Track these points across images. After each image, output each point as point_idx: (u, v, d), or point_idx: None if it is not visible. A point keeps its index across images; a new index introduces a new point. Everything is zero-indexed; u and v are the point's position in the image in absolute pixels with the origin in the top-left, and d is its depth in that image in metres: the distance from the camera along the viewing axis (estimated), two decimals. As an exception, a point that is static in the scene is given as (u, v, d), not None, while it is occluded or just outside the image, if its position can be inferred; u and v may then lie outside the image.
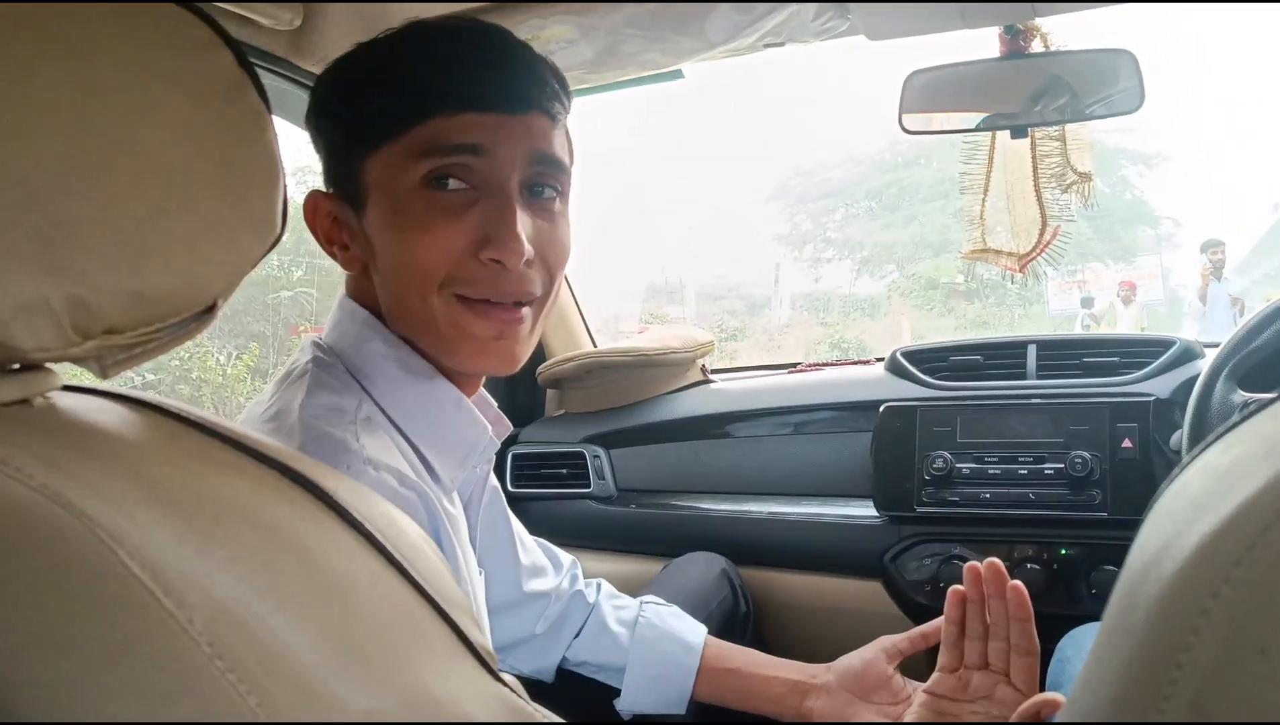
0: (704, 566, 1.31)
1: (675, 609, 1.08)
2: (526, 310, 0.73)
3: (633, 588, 1.15)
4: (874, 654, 0.97)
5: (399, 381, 0.73)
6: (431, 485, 0.71)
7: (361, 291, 0.76)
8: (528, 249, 0.69)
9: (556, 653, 1.04)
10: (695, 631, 1.04)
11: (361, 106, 0.71)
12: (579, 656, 1.04)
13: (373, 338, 0.74)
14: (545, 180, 0.73)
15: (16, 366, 0.36)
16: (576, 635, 1.04)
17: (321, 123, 0.74)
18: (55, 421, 0.36)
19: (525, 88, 0.70)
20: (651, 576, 1.29)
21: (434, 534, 0.67)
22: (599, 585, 1.09)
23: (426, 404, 0.74)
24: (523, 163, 0.70)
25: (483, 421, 0.77)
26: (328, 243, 0.76)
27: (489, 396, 0.86)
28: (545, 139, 0.71)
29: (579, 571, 1.09)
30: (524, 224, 0.70)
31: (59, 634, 0.30)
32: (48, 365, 0.37)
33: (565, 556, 1.09)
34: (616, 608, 1.06)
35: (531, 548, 1.05)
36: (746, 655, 1.03)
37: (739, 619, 1.28)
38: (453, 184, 0.69)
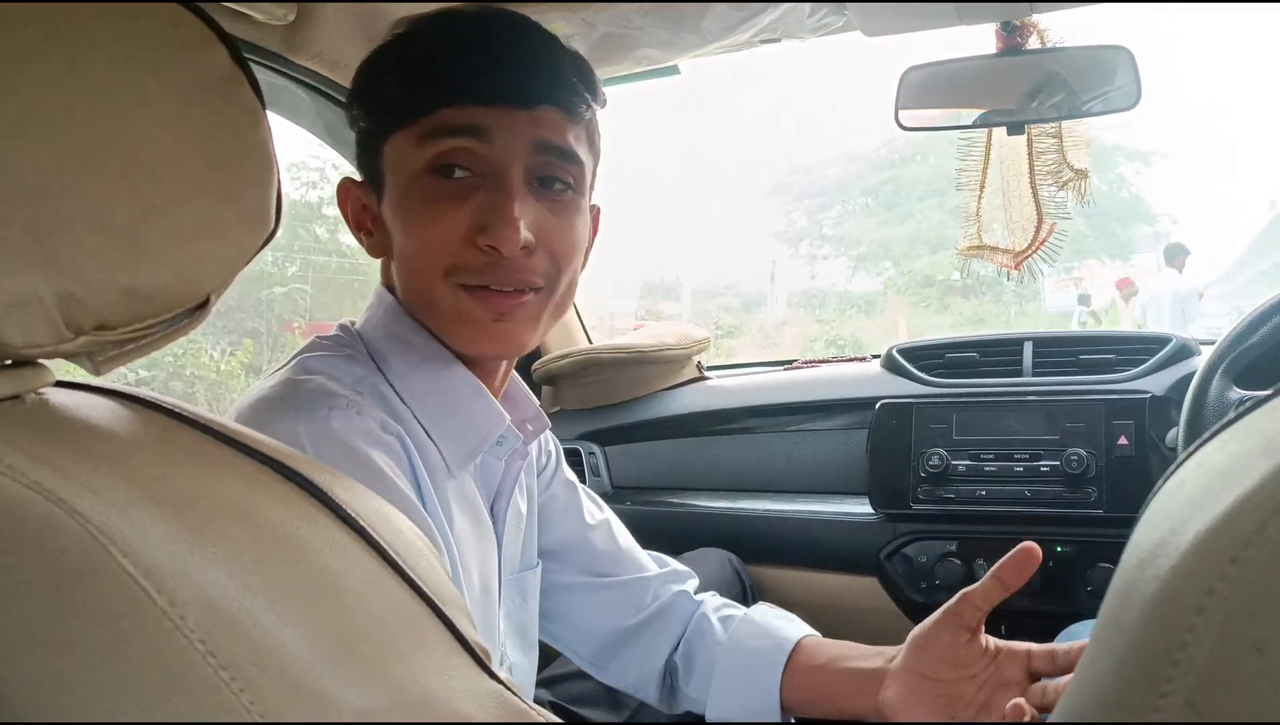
0: (714, 563, 1.30)
1: (791, 615, 0.95)
2: (530, 296, 0.73)
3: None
4: (935, 625, 0.81)
5: (416, 366, 0.74)
6: (427, 454, 0.72)
7: (390, 278, 0.77)
8: (524, 236, 0.69)
9: (659, 655, 0.94)
10: (796, 629, 0.91)
11: (380, 93, 0.73)
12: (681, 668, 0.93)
13: (395, 322, 0.75)
14: (554, 171, 0.73)
15: (9, 362, 0.36)
16: (681, 637, 0.94)
17: (352, 109, 0.77)
18: (48, 418, 0.36)
19: (534, 81, 0.70)
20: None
21: (413, 482, 0.68)
22: (711, 594, 1.00)
23: (442, 389, 0.74)
24: (526, 151, 0.70)
25: (500, 412, 0.77)
26: (357, 229, 0.79)
27: (530, 393, 0.86)
28: (555, 130, 0.71)
29: (683, 571, 1.00)
30: (526, 212, 0.70)
31: (51, 632, 0.29)
32: (40, 361, 0.37)
33: (676, 564, 1.01)
34: (722, 614, 0.95)
35: (623, 541, 0.98)
36: (838, 649, 0.88)
37: None
38: (457, 173, 0.70)
